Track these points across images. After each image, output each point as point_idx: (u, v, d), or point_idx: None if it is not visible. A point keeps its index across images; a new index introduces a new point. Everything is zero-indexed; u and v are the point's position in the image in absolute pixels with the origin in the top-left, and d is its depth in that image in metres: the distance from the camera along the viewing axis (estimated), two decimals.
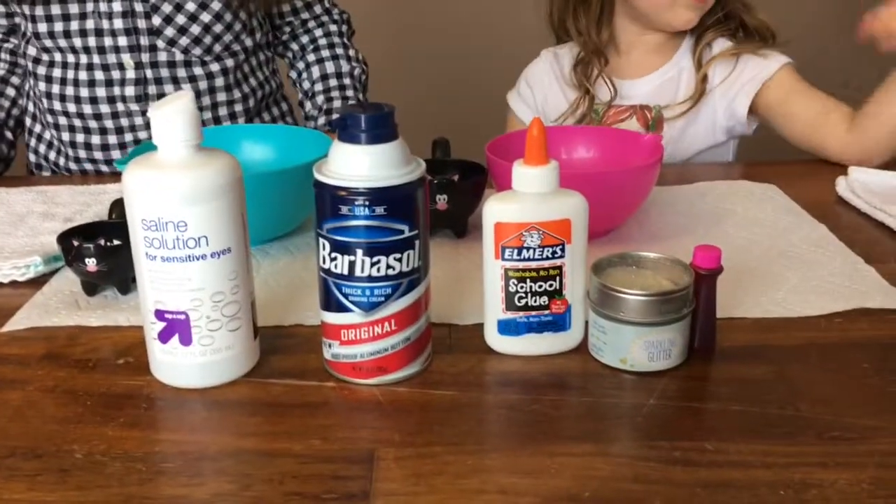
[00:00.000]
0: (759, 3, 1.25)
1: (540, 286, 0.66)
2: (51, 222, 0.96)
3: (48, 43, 1.13)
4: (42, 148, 1.23)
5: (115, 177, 1.08)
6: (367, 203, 0.60)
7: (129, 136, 1.17)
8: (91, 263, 0.76)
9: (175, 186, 0.60)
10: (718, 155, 1.27)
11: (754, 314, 0.73)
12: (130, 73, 1.13)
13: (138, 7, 1.11)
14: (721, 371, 0.66)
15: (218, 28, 1.16)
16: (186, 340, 0.63)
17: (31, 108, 1.22)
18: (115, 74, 1.13)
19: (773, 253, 0.86)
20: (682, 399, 0.62)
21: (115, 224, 0.78)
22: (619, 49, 1.28)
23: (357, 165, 0.60)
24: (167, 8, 1.12)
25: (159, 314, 0.62)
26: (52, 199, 1.04)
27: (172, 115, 0.60)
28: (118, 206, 0.85)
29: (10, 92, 1.21)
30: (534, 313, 0.67)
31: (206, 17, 1.14)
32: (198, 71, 1.16)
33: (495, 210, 0.65)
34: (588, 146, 0.98)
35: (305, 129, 1.01)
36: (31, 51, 1.17)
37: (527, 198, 0.65)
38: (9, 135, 1.21)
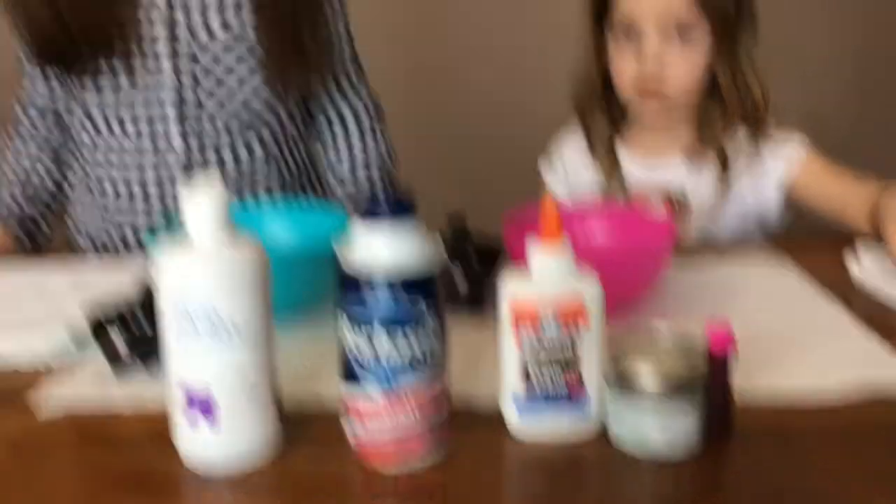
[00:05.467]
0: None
1: (557, 369, 0.67)
2: (80, 300, 0.99)
3: (98, 120, 1.19)
4: (86, 217, 1.27)
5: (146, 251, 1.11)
6: (387, 285, 0.62)
7: (172, 206, 1.21)
8: (120, 344, 0.78)
9: (204, 272, 0.62)
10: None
11: (770, 397, 0.74)
12: (176, 143, 1.19)
13: (185, 80, 1.17)
14: (738, 456, 0.66)
15: (256, 104, 1.21)
16: (213, 422, 0.64)
17: (74, 180, 1.27)
18: (162, 144, 1.19)
19: (788, 333, 0.86)
20: (701, 484, 0.62)
21: (145, 305, 0.81)
22: (643, 130, 1.31)
23: (378, 248, 0.63)
24: (209, 84, 1.18)
25: (186, 395, 0.64)
26: (82, 276, 1.07)
27: (203, 201, 0.63)
28: (147, 287, 0.87)
29: (49, 179, 1.26)
30: (552, 396, 0.67)
31: (245, 93, 1.20)
32: (238, 144, 1.22)
33: (512, 291, 0.67)
34: (604, 225, 1.00)
35: (328, 206, 1.04)
36: (78, 124, 1.22)
37: (543, 280, 0.67)
38: (44, 221, 1.25)
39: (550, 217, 0.66)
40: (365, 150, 1.32)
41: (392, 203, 0.62)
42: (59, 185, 1.29)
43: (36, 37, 1.14)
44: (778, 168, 1.23)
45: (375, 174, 1.32)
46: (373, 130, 1.34)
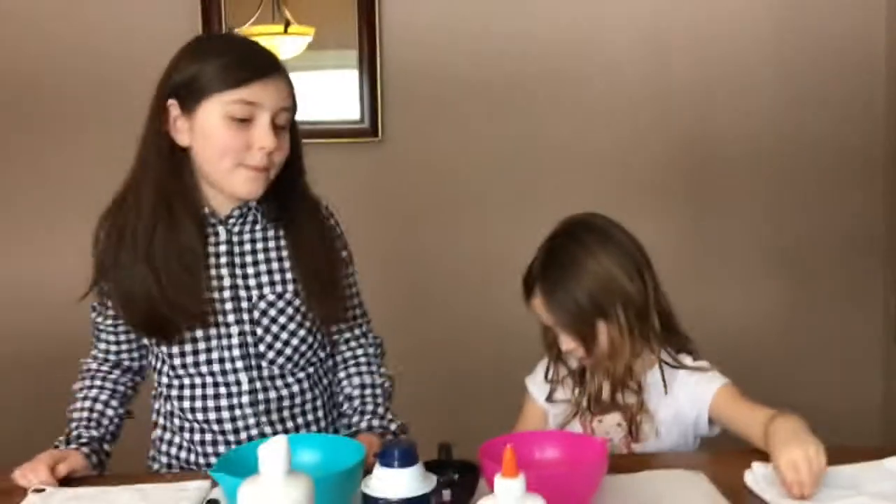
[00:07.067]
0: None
1: None
2: None
3: (181, 371, 1.55)
4: (173, 450, 1.60)
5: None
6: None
7: (243, 435, 1.55)
8: None
9: (277, 500, 0.93)
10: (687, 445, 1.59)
11: None
12: (245, 386, 1.54)
13: (249, 339, 1.54)
14: None
15: (303, 348, 1.59)
16: None
17: (161, 420, 1.62)
18: (234, 389, 1.54)
19: None
20: None
21: None
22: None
23: (393, 483, 0.95)
24: (269, 338, 1.55)
25: None
26: (147, 496, 1.36)
27: (274, 453, 0.94)
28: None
29: (110, 412, 1.58)
30: None
31: (295, 342, 1.57)
32: (290, 380, 1.58)
33: None
34: (553, 448, 1.32)
35: (344, 439, 1.36)
36: (165, 379, 1.57)
37: (505, 500, 0.96)
38: (107, 447, 1.57)
39: (510, 461, 0.95)
40: (372, 380, 1.66)
41: (400, 455, 0.94)
42: (121, 421, 1.61)
43: (140, 318, 1.51)
44: (706, 398, 1.55)
45: (380, 399, 1.66)
46: (377, 364, 1.70)
